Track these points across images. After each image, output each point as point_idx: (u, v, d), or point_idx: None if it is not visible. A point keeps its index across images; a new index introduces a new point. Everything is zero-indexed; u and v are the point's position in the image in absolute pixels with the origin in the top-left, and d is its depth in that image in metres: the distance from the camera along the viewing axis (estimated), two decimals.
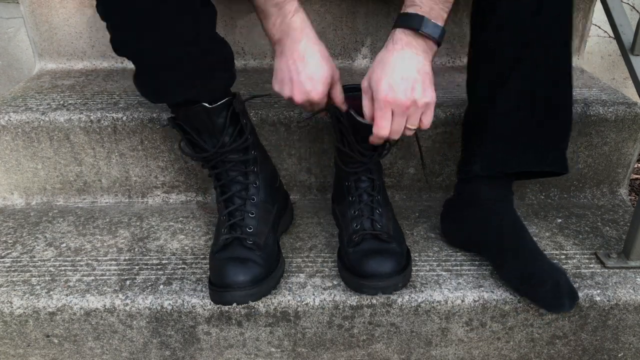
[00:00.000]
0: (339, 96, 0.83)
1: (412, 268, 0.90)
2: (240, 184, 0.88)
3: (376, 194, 0.89)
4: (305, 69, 0.78)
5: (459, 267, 0.91)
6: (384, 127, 0.77)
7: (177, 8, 0.76)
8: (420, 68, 0.76)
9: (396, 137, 0.79)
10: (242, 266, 0.80)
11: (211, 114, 0.82)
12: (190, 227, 1.03)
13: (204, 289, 0.86)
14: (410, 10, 0.76)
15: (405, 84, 0.74)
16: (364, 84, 0.78)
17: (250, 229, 0.85)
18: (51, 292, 0.86)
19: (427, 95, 0.76)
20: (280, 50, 0.80)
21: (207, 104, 0.82)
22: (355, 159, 0.88)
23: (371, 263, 0.81)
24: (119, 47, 0.80)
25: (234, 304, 0.81)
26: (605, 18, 1.01)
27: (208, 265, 0.91)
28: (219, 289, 0.80)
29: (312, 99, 0.79)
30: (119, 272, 0.91)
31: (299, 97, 0.79)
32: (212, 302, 0.84)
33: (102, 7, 0.77)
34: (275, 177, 0.96)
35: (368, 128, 0.79)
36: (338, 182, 0.96)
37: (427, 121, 0.79)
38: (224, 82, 0.86)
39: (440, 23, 0.77)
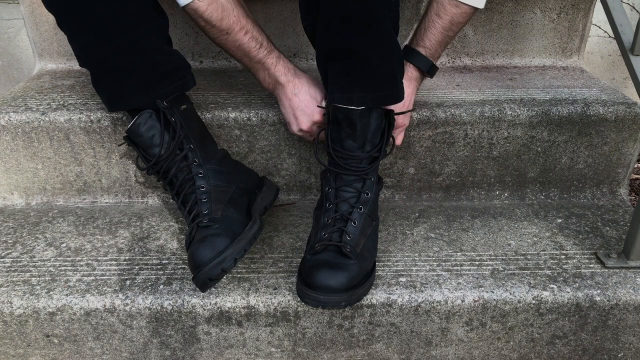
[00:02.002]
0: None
1: (412, 269, 0.90)
2: (188, 182, 0.90)
3: (358, 206, 0.87)
4: (300, 104, 0.93)
5: (459, 267, 0.91)
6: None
7: (131, 19, 0.82)
8: (412, 99, 0.98)
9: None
10: (202, 245, 0.82)
11: (152, 117, 0.87)
12: None
13: None
14: (421, 50, 0.95)
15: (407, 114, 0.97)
16: None
17: (205, 211, 0.87)
18: (51, 292, 0.86)
19: (406, 121, 0.99)
20: (278, 98, 0.96)
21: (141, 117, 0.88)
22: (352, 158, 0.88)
23: (319, 274, 0.80)
24: (80, 56, 0.87)
25: (209, 280, 0.81)
26: (605, 18, 1.01)
27: None
28: (196, 272, 0.81)
29: (317, 121, 0.94)
30: (119, 272, 0.91)
31: (305, 126, 0.94)
32: (213, 303, 0.84)
33: (61, 20, 0.84)
34: (227, 164, 0.96)
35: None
36: (321, 189, 0.94)
37: (400, 140, 1.01)
38: (176, 90, 0.90)
39: (436, 62, 0.98)
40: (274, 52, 0.93)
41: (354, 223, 0.86)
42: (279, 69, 0.93)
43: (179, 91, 0.90)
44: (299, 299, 0.83)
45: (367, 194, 0.88)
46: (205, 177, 0.90)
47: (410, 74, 0.96)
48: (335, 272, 0.80)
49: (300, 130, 0.95)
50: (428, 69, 0.97)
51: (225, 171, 0.93)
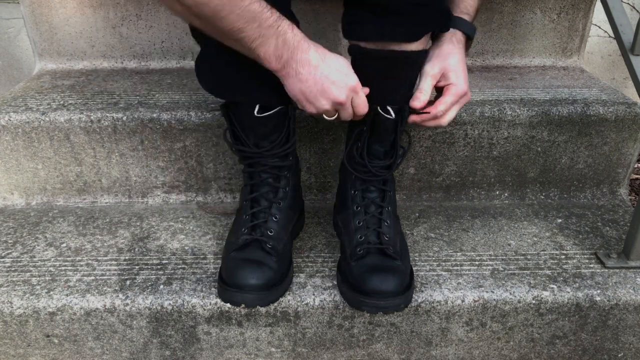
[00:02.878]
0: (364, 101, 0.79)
1: (413, 268, 0.90)
2: (270, 187, 0.87)
3: (386, 205, 0.87)
4: (331, 68, 0.74)
5: (459, 267, 0.91)
6: (442, 111, 0.84)
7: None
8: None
9: (444, 124, 0.85)
10: (257, 269, 0.80)
11: (261, 118, 0.81)
12: (190, 227, 1.03)
13: (204, 289, 0.86)
14: (466, 17, 0.87)
15: (467, 81, 0.85)
16: (434, 70, 0.82)
17: (271, 232, 0.85)
18: (51, 292, 0.86)
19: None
20: (293, 71, 0.74)
21: (256, 114, 0.80)
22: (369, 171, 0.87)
23: (374, 280, 0.79)
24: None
25: (242, 305, 0.81)
26: (605, 18, 1.01)
27: (209, 265, 0.91)
28: (231, 288, 0.80)
29: (355, 89, 0.76)
30: (119, 272, 0.91)
31: (343, 97, 0.75)
32: (213, 303, 0.84)
33: None
34: (299, 186, 0.96)
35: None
36: (342, 192, 0.94)
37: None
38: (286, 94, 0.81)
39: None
40: (285, 18, 0.73)
41: (387, 222, 0.86)
42: (297, 34, 0.73)
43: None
44: (353, 308, 0.83)
45: (390, 192, 0.88)
46: (287, 195, 0.88)
47: (458, 38, 0.86)
48: (388, 275, 0.80)
49: (337, 102, 0.76)
50: (473, 35, 0.88)
51: (296, 196, 0.92)
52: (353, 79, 0.76)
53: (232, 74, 0.79)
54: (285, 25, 0.72)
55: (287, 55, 0.73)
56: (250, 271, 0.80)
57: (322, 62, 0.74)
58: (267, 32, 0.71)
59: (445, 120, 0.85)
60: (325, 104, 0.76)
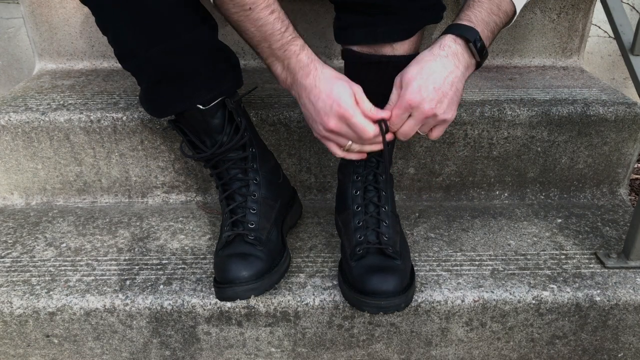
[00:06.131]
0: (367, 109, 0.75)
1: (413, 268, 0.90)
2: (241, 181, 0.88)
3: (383, 205, 0.87)
4: (321, 94, 0.74)
5: (459, 267, 0.91)
6: (396, 125, 0.77)
7: (184, 18, 0.77)
8: (455, 83, 0.75)
9: (403, 139, 0.79)
10: (243, 261, 0.81)
11: (205, 115, 0.83)
12: (190, 227, 1.03)
13: (204, 289, 0.86)
14: (466, 23, 0.76)
15: (434, 94, 0.73)
16: (397, 79, 0.76)
17: (252, 224, 0.86)
18: (51, 292, 0.86)
19: (448, 113, 0.76)
20: (296, 93, 0.77)
21: (201, 106, 0.82)
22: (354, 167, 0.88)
23: (373, 280, 0.78)
24: (125, 59, 0.80)
25: (237, 300, 0.81)
26: (605, 18, 1.01)
27: (208, 265, 0.91)
28: (222, 285, 0.80)
29: (345, 117, 0.73)
30: (119, 272, 0.91)
31: (332, 124, 0.74)
32: (213, 303, 0.84)
33: (102, 21, 0.77)
34: (278, 173, 0.96)
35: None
36: (342, 192, 0.93)
37: (437, 134, 0.79)
38: (229, 88, 0.86)
39: (486, 45, 0.77)
40: (299, 40, 0.75)
41: (385, 222, 0.86)
42: (302, 59, 0.75)
43: (236, 88, 0.87)
44: (353, 308, 0.83)
45: (385, 192, 0.88)
46: (259, 185, 0.89)
47: (453, 50, 0.75)
48: (388, 275, 0.79)
49: (328, 130, 0.76)
50: (474, 40, 0.74)
51: (275, 182, 0.92)
52: (344, 105, 0.73)
53: (167, 91, 0.82)
54: (293, 49, 0.74)
55: (290, 79, 0.77)
56: (237, 264, 0.80)
57: (314, 87, 0.75)
58: (276, 54, 0.75)
59: (399, 134, 0.78)
60: (319, 129, 0.77)
